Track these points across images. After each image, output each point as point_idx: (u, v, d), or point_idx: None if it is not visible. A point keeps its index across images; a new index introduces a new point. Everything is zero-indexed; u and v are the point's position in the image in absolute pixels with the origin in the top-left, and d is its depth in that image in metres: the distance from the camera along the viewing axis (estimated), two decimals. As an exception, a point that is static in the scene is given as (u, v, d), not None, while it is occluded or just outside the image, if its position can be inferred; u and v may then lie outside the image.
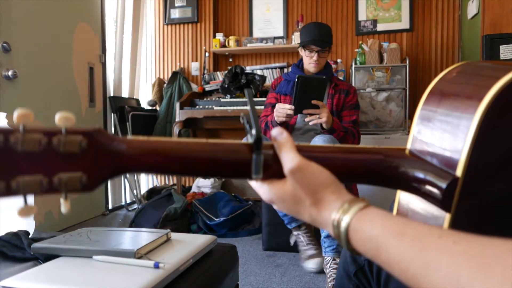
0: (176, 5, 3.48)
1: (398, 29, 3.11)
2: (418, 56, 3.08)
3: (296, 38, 3.19)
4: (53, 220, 2.50)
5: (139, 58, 3.47)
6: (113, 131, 3.13)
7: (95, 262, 0.73)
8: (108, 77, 3.10)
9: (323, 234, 1.79)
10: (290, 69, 2.17)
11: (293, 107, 1.73)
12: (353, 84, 2.84)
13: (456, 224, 0.46)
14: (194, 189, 2.98)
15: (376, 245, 0.37)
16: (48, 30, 2.45)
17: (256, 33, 3.43)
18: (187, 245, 0.83)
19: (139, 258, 0.73)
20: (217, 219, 2.49)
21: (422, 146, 0.53)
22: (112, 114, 3.09)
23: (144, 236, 0.83)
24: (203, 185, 2.94)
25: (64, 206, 0.38)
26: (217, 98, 3.02)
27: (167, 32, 3.54)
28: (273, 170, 0.46)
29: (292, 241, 2.01)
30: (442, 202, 0.45)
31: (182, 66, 3.51)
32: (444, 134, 0.50)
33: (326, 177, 0.44)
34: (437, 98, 0.56)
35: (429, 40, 3.06)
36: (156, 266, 0.69)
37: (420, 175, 0.49)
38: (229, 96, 2.94)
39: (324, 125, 1.77)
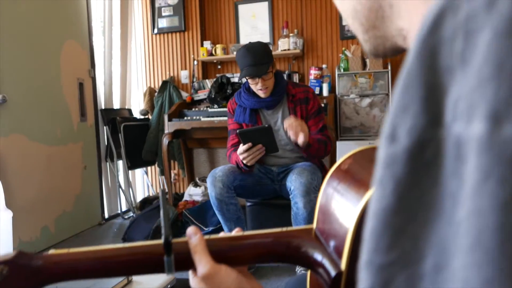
0: (163, 14, 3.53)
1: (383, 32, 3.13)
2: (401, 61, 3.10)
3: (281, 44, 3.23)
4: (49, 234, 2.61)
5: (129, 69, 3.54)
6: (106, 143, 3.21)
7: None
8: (98, 90, 3.17)
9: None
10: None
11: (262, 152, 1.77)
12: (337, 91, 2.89)
13: None
14: (186, 197, 3.07)
15: None
16: (35, 51, 2.52)
17: (243, 40, 3.47)
18: (147, 284, 0.91)
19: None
20: (206, 228, 2.58)
21: (323, 228, 0.59)
22: (104, 126, 3.18)
23: (105, 282, 0.91)
24: (194, 193, 3.03)
25: None
26: (205, 108, 3.09)
27: (156, 42, 3.59)
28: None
29: None
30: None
31: (172, 74, 3.57)
32: (337, 221, 0.56)
33: (232, 281, 0.51)
34: (338, 179, 0.60)
35: (413, 42, 3.08)
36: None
37: (318, 258, 0.55)
38: (216, 106, 3.00)
39: (301, 143, 1.76)
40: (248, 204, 2.19)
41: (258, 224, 2.19)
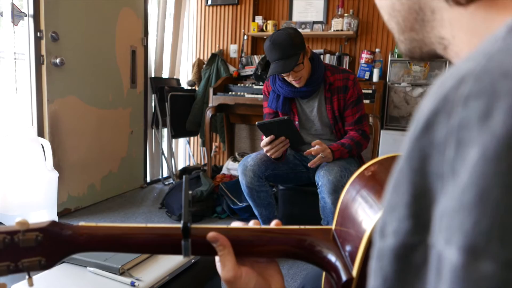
0: (218, -14, 3.51)
1: (446, 18, 2.92)
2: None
3: (335, 24, 3.12)
4: (95, 192, 2.79)
5: (180, 39, 3.59)
6: (152, 111, 3.33)
7: (88, 272, 0.89)
8: (149, 59, 3.26)
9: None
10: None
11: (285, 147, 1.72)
12: (388, 78, 2.77)
13: None
14: (224, 170, 3.13)
15: None
16: (93, 18, 2.62)
17: (296, 17, 3.38)
18: (168, 261, 0.95)
19: (122, 273, 0.87)
20: (241, 204, 2.63)
21: (341, 231, 0.59)
22: (152, 94, 3.28)
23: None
24: (232, 167, 3.08)
25: (27, 283, 0.50)
26: (250, 84, 3.09)
27: (209, 13, 3.60)
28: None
29: None
30: None
31: (221, 47, 3.58)
32: (354, 227, 0.55)
33: (252, 285, 0.54)
34: (360, 185, 0.59)
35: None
36: (133, 284, 0.82)
37: (331, 259, 0.56)
38: (261, 83, 2.99)
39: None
40: (281, 188, 2.20)
41: (289, 208, 2.20)
